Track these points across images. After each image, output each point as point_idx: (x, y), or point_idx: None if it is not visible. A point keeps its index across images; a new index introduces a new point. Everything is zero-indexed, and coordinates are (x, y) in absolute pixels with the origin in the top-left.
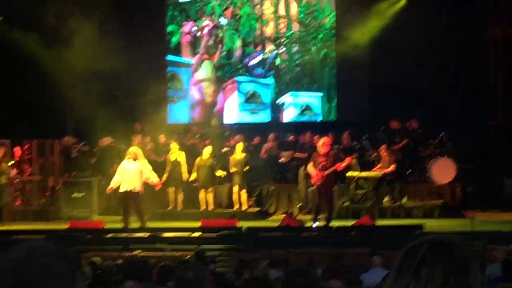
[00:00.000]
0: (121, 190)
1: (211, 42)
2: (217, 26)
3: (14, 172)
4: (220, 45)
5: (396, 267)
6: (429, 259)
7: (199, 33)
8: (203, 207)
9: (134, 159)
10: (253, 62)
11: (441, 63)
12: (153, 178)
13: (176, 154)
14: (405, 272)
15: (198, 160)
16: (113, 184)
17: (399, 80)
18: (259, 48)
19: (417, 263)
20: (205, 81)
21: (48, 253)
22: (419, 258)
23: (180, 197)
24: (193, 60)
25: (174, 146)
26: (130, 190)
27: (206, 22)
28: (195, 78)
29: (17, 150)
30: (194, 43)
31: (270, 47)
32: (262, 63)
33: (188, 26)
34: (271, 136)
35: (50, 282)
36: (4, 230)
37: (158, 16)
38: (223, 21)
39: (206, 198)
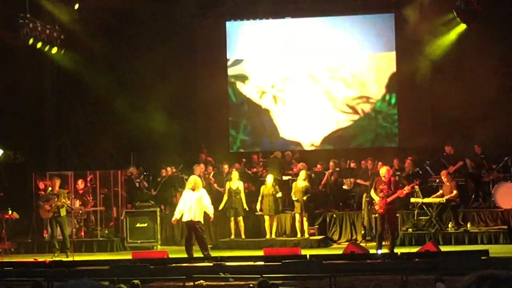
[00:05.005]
0: (184, 219)
1: None
2: None
3: (77, 203)
4: None
5: None
6: None
7: None
8: (268, 236)
9: (193, 189)
10: None
11: (502, 85)
12: (208, 210)
13: (236, 182)
14: None
15: (263, 188)
16: (177, 214)
17: (460, 105)
18: None
19: None
20: None
21: None
22: None
23: (241, 225)
24: None
25: (234, 174)
26: (191, 220)
27: None
28: None
29: (80, 182)
30: None
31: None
32: None
33: None
34: (332, 163)
35: None
36: (69, 261)
37: (220, 44)
38: None
39: (271, 226)
